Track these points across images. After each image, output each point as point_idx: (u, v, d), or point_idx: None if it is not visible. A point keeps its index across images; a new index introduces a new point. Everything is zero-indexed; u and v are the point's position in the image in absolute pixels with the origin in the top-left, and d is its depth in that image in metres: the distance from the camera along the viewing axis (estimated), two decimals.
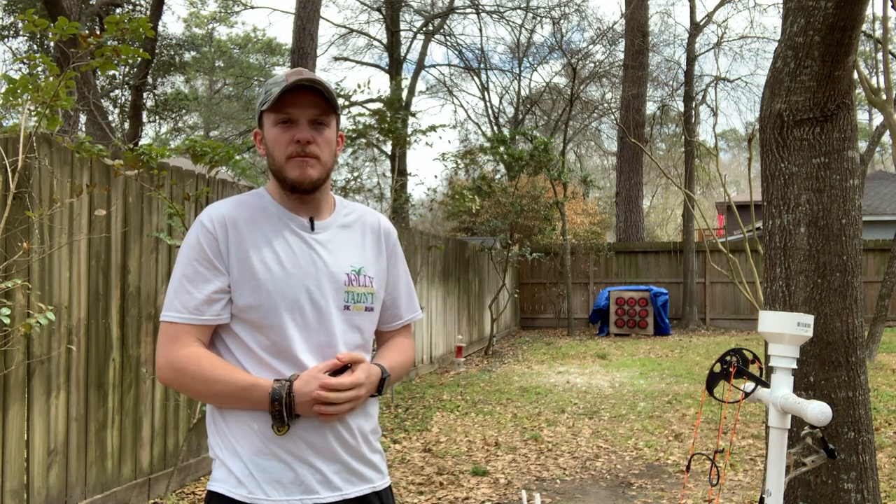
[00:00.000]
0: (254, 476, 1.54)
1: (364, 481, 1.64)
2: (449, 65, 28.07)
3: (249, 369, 1.56)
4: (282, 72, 1.65)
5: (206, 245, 1.56)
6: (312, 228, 1.65)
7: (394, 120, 8.92)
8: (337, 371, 1.56)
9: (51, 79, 3.43)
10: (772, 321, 2.02)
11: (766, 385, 2.05)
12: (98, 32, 3.36)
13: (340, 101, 9.21)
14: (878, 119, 17.15)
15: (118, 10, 15.42)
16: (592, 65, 21.11)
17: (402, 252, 1.86)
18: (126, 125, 15.40)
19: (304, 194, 1.63)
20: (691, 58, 17.55)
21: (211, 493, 1.58)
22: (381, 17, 22.37)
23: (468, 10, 22.81)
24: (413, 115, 10.36)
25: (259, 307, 1.55)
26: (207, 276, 1.56)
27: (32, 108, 3.48)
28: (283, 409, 1.49)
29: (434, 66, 35.55)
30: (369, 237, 1.74)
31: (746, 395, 2.07)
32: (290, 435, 1.54)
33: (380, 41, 23.32)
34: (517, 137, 15.26)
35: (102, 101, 16.06)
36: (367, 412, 1.67)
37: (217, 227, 1.57)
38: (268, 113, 1.60)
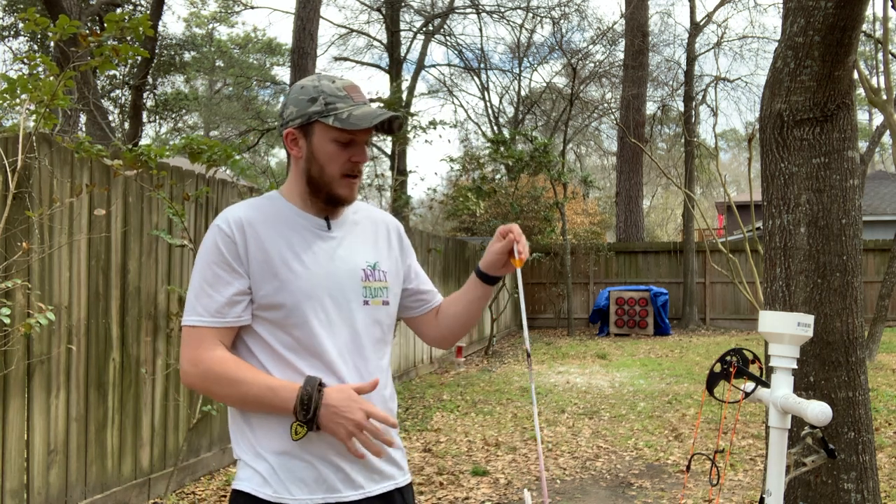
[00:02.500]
0: (278, 475, 1.55)
1: (386, 478, 1.65)
2: (449, 65, 28.08)
3: (272, 370, 1.57)
4: (337, 82, 1.63)
5: (225, 248, 1.57)
6: (329, 227, 1.67)
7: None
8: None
9: (50, 78, 3.43)
10: (772, 321, 2.02)
11: (767, 385, 2.05)
12: (98, 32, 3.36)
13: None
14: (878, 119, 17.15)
15: (118, 10, 15.41)
16: (592, 65, 21.11)
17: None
18: (126, 125, 15.40)
19: (341, 206, 1.67)
20: (691, 58, 17.55)
21: (237, 493, 1.59)
22: (381, 17, 22.36)
23: (468, 10, 22.80)
24: (413, 115, 10.33)
25: (282, 306, 1.57)
26: (227, 278, 1.56)
27: (31, 108, 3.48)
28: (310, 406, 1.48)
29: (434, 66, 35.57)
30: (380, 232, 1.78)
31: (746, 395, 2.07)
32: (312, 435, 1.55)
33: (380, 41, 23.32)
34: (517, 138, 15.25)
35: (102, 101, 16.06)
36: (388, 408, 1.69)
37: (234, 229, 1.58)
38: (328, 128, 1.59)
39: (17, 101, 3.43)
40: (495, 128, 23.84)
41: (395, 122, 1.62)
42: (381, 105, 9.31)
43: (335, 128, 1.58)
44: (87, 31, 3.41)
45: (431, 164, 50.97)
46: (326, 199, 1.64)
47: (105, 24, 3.42)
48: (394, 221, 1.84)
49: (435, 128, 9.95)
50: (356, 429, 1.49)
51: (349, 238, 1.69)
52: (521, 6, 22.31)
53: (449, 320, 1.85)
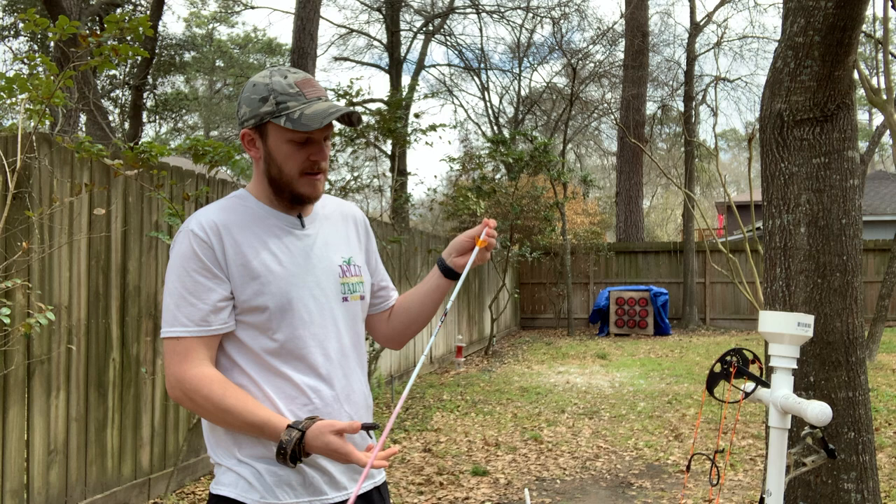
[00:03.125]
0: (265, 479, 1.53)
1: (367, 478, 1.66)
2: (449, 65, 28.06)
3: (256, 376, 1.54)
4: (289, 77, 1.56)
5: (203, 254, 1.52)
6: (303, 225, 1.64)
7: (394, 119, 8.91)
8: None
9: (51, 77, 3.43)
10: (772, 321, 2.02)
11: (767, 385, 2.05)
12: (98, 32, 3.36)
13: (342, 102, 9.20)
14: (878, 119, 17.15)
15: (118, 11, 15.41)
16: (592, 65, 21.11)
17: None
18: (126, 125, 15.41)
19: (307, 205, 1.63)
20: (691, 58, 17.55)
21: (218, 498, 1.55)
22: (381, 17, 22.36)
23: (468, 10, 22.80)
24: (417, 116, 10.30)
25: (265, 309, 1.54)
26: (209, 285, 1.51)
27: (29, 106, 3.48)
28: (286, 458, 1.45)
29: (434, 65, 35.54)
30: (350, 226, 1.76)
31: (746, 395, 2.07)
32: None
33: (380, 41, 23.32)
34: (517, 137, 15.26)
35: (103, 101, 16.06)
36: (368, 405, 1.68)
37: (210, 234, 1.53)
38: (281, 129, 1.54)
39: (15, 100, 3.44)
40: (495, 128, 23.84)
41: (353, 115, 1.56)
42: (386, 106, 9.30)
43: (288, 129, 1.53)
44: (87, 32, 3.41)
45: (432, 166, 51.00)
46: (291, 199, 1.60)
47: (105, 25, 3.42)
48: (360, 213, 1.81)
49: (435, 130, 9.92)
50: (344, 460, 1.46)
51: (323, 234, 1.66)
52: (521, 6, 22.31)
53: (401, 316, 1.80)
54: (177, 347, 1.51)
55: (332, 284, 1.62)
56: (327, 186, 7.67)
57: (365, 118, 11.12)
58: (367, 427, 1.50)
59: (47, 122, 3.64)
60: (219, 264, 1.53)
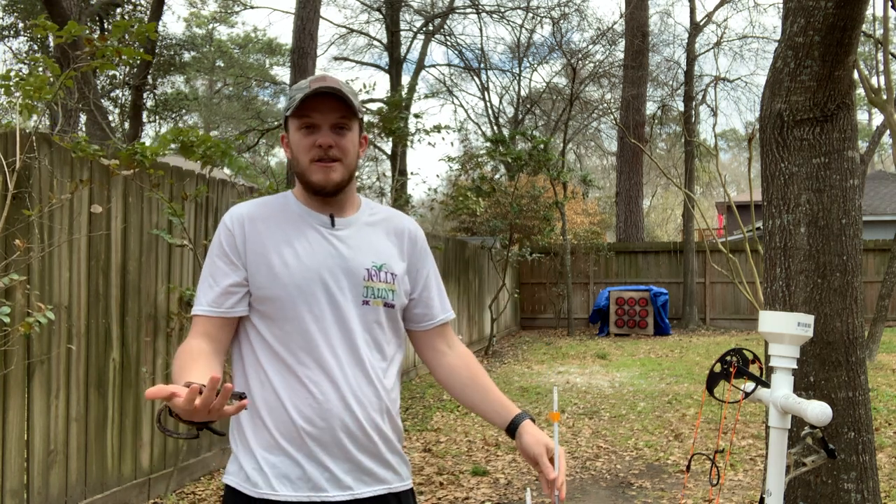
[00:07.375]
0: (263, 471, 1.57)
1: (378, 482, 1.63)
2: (449, 65, 28.06)
3: (265, 363, 1.60)
4: (307, 78, 1.68)
5: (225, 241, 1.64)
6: (333, 225, 1.68)
7: (395, 119, 8.89)
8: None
9: (46, 73, 3.44)
10: (772, 321, 2.02)
11: (767, 385, 2.05)
12: (104, 35, 3.39)
13: None
14: (878, 119, 17.16)
15: (118, 11, 15.40)
16: (592, 65, 21.11)
17: (431, 254, 1.84)
18: (126, 125, 15.40)
19: (327, 197, 1.68)
20: (691, 58, 17.54)
21: (225, 485, 1.65)
22: (381, 16, 22.36)
23: (468, 10, 22.79)
24: (418, 116, 10.28)
25: (275, 299, 1.60)
26: (226, 270, 1.63)
27: (29, 102, 3.49)
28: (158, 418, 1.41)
29: (434, 65, 35.55)
30: (394, 238, 1.76)
31: (746, 395, 2.07)
32: (299, 431, 1.57)
33: (380, 41, 23.31)
34: (517, 137, 15.25)
35: (103, 101, 16.06)
36: (387, 410, 1.66)
37: (235, 224, 1.65)
38: (292, 118, 1.65)
39: (12, 98, 3.45)
40: (495, 128, 23.84)
41: (338, 93, 1.59)
42: (386, 105, 9.29)
43: (294, 116, 1.63)
44: (89, 32, 3.43)
45: (432, 166, 51.03)
46: (313, 191, 1.66)
47: (108, 26, 3.44)
48: (413, 228, 1.81)
49: (439, 131, 9.90)
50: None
51: (357, 238, 1.69)
52: (521, 6, 22.30)
53: (451, 378, 1.79)
54: (195, 322, 1.64)
55: (352, 285, 1.64)
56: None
57: (366, 118, 11.11)
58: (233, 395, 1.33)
59: (43, 118, 3.64)
60: (237, 251, 1.63)
